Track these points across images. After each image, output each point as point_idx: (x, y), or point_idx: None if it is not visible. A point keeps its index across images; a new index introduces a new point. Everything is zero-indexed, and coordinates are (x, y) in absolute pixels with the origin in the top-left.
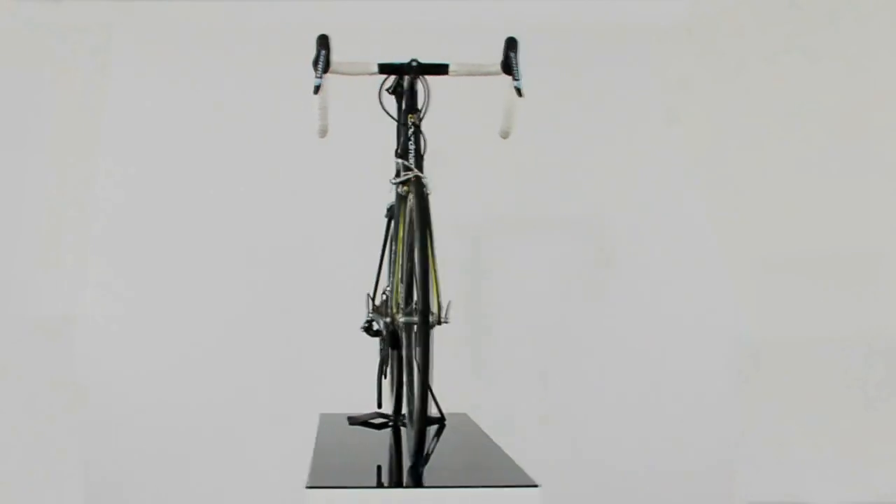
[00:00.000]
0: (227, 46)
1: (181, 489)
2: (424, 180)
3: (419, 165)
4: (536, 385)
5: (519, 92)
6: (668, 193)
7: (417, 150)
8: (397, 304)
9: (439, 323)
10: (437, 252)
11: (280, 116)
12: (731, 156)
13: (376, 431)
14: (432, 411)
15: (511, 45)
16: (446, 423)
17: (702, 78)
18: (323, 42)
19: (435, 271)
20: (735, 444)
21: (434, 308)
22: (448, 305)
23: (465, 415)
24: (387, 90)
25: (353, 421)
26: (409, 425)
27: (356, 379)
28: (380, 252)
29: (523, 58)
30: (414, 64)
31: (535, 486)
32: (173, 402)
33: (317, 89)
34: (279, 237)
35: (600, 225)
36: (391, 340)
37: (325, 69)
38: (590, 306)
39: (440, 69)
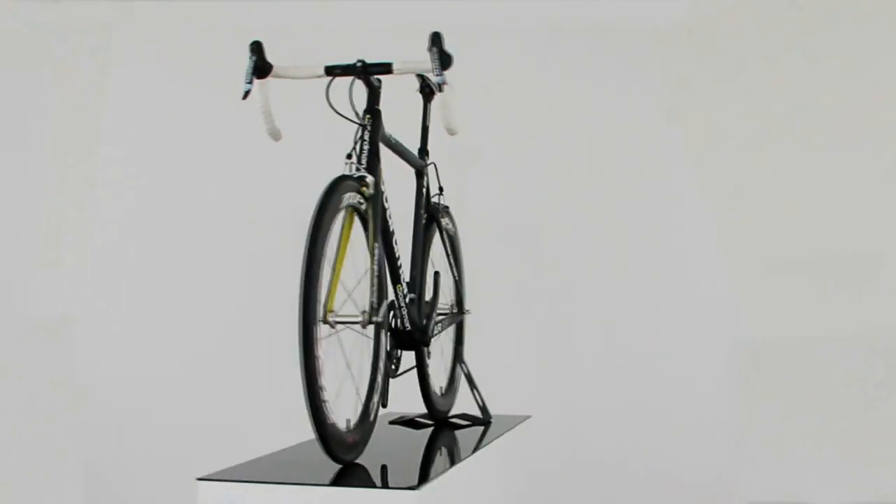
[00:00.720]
0: (227, 46)
1: (181, 489)
2: (368, 180)
3: (371, 165)
4: (535, 385)
5: (439, 87)
6: (668, 193)
7: (371, 149)
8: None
9: (368, 322)
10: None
11: (280, 117)
12: (731, 156)
13: (407, 431)
14: (474, 411)
15: (432, 39)
16: (490, 423)
17: (702, 78)
18: (252, 49)
19: (375, 269)
20: (735, 444)
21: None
22: (373, 305)
23: (528, 417)
24: (417, 90)
25: (394, 421)
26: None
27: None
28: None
29: (530, 59)
30: (359, 65)
31: (412, 488)
32: (173, 402)
33: (245, 95)
34: (279, 237)
35: (600, 225)
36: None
37: (257, 75)
38: (589, 306)
39: (384, 68)
